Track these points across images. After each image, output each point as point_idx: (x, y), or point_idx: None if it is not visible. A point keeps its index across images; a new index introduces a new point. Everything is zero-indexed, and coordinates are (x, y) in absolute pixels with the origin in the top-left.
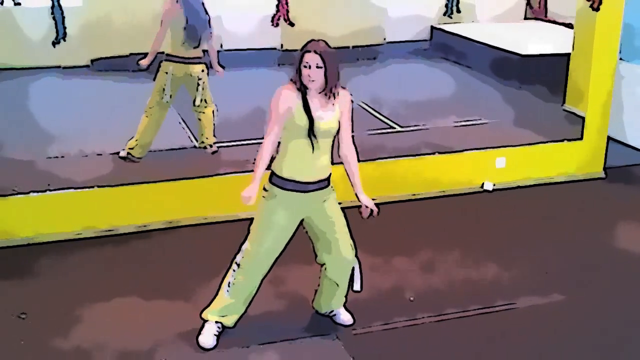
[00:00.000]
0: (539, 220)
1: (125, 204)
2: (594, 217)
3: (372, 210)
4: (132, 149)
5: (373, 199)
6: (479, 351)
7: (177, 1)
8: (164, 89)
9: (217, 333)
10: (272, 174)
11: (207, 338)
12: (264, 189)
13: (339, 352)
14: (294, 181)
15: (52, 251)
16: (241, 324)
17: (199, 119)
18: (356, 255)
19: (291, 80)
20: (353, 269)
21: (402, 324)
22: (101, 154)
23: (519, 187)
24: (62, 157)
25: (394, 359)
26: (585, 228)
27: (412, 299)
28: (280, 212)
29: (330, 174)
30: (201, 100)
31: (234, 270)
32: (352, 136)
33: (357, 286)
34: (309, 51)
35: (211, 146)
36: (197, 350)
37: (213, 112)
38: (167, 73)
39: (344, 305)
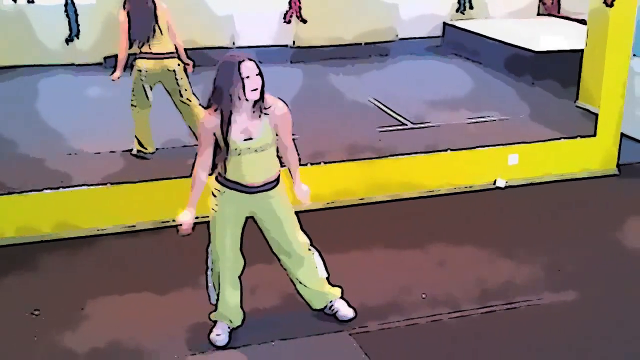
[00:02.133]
0: (551, 218)
1: (137, 200)
2: (608, 214)
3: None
4: (145, 147)
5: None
6: (492, 348)
7: (123, 7)
8: (143, 87)
9: (228, 330)
10: (218, 174)
11: (219, 336)
12: (212, 190)
13: (352, 349)
14: (238, 183)
15: (65, 248)
16: (253, 321)
17: (190, 121)
18: (312, 245)
19: (209, 102)
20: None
21: (414, 321)
22: (114, 152)
23: (531, 184)
24: (76, 154)
25: (407, 356)
26: (599, 225)
27: (424, 295)
28: (228, 206)
29: (279, 174)
30: (182, 95)
31: (209, 275)
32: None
33: (321, 272)
34: (243, 60)
35: None
36: (209, 347)
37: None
38: (140, 71)
39: (346, 301)
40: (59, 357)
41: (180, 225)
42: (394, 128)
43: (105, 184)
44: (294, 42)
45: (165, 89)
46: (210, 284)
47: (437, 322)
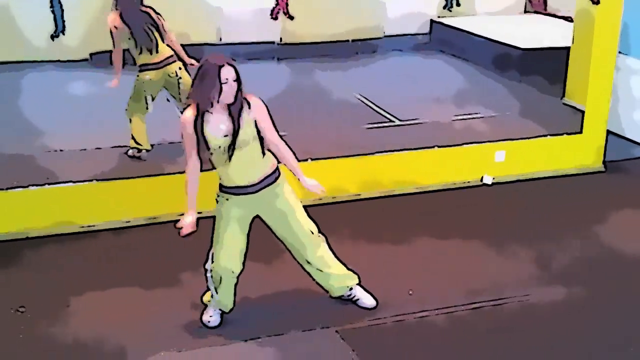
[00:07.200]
0: (538, 214)
1: (123, 197)
2: (594, 211)
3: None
4: (140, 144)
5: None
6: (477, 345)
7: (117, 13)
8: (145, 98)
9: (219, 312)
10: (219, 185)
11: (211, 317)
12: (216, 196)
13: (339, 345)
14: (238, 187)
15: (50, 244)
16: (240, 317)
17: None
18: (321, 232)
19: (190, 99)
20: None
21: (401, 318)
22: (100, 148)
23: (518, 181)
24: (61, 150)
25: (395, 352)
26: (585, 221)
27: (411, 292)
28: (233, 211)
29: (277, 167)
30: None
31: (208, 276)
32: (281, 136)
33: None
34: (223, 65)
35: None
36: (194, 342)
37: None
38: (144, 83)
39: (367, 290)
40: (44, 354)
41: (182, 228)
42: (382, 125)
43: (92, 180)
44: (281, 38)
45: (171, 94)
46: (211, 286)
47: (424, 319)
